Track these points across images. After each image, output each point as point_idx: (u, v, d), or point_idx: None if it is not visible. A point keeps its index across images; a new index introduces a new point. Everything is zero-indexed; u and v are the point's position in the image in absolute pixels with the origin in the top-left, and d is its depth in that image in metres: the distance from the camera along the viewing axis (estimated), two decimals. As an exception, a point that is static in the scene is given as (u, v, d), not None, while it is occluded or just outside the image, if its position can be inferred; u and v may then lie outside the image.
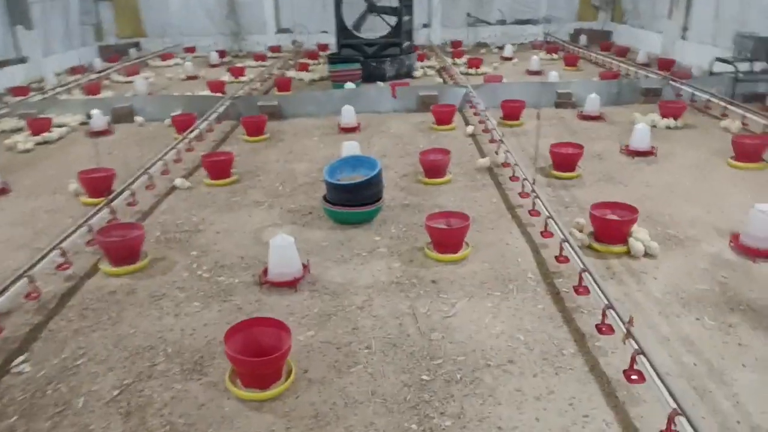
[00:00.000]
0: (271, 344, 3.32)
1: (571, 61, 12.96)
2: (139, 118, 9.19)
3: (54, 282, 4.50)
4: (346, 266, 4.57)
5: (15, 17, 12.94)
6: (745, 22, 10.57)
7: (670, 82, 9.50)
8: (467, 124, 8.47)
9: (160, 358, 3.56)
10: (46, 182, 6.74)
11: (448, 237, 4.59)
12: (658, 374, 2.81)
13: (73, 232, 4.88)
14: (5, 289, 4.01)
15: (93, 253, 4.94)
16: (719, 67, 9.62)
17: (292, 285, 4.24)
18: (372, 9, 12.34)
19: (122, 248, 4.62)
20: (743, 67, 9.24)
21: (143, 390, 3.30)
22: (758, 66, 9.48)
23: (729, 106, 8.21)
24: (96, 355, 3.62)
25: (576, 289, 3.95)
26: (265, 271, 4.36)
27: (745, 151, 6.26)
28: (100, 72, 13.49)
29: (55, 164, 7.40)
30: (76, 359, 3.60)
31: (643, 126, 6.85)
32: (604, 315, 3.45)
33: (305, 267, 4.41)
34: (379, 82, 11.44)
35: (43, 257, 4.45)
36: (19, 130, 8.83)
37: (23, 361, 3.57)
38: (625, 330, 3.11)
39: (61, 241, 4.70)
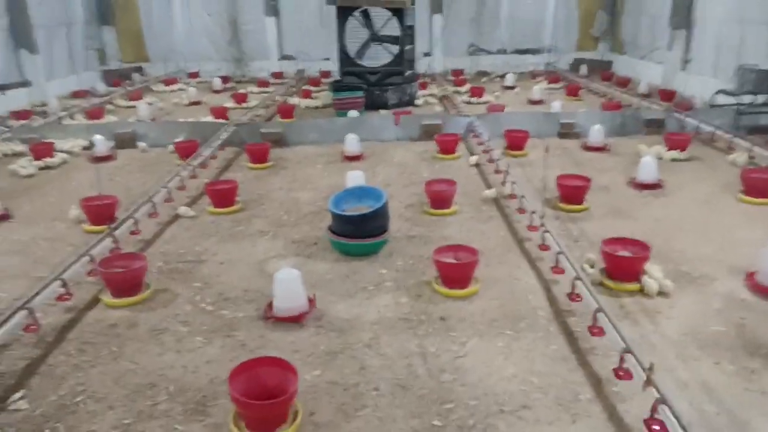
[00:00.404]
0: (276, 385, 3.21)
1: (572, 91, 13.02)
2: (141, 144, 9.15)
3: (54, 314, 4.39)
4: (352, 301, 4.48)
5: (19, 41, 12.98)
6: (746, 54, 10.64)
7: (674, 113, 9.51)
8: (471, 153, 8.45)
9: (162, 397, 3.45)
10: (47, 209, 6.66)
11: (456, 272, 4.50)
12: (681, 425, 2.70)
13: (75, 261, 4.78)
14: (4, 322, 3.90)
15: (94, 283, 4.83)
16: (721, 99, 9.64)
17: (297, 320, 4.14)
18: (374, 38, 12.41)
19: (124, 279, 4.53)
20: (745, 99, 9.26)
21: (144, 431, 3.18)
22: (761, 98, 9.51)
23: (735, 139, 8.19)
24: (95, 393, 3.51)
25: (590, 330, 3.85)
26: (270, 305, 4.26)
27: (756, 186, 6.21)
28: (103, 96, 13.50)
29: (57, 190, 7.33)
30: (75, 396, 3.48)
31: (649, 158, 6.82)
32: (621, 359, 3.35)
33: (311, 301, 4.32)
34: (381, 110, 11.46)
35: (43, 288, 4.34)
36: (20, 154, 8.76)
37: (20, 398, 3.44)
38: (645, 377, 3.01)
39: (63, 272, 4.60)
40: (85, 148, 8.95)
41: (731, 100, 9.31)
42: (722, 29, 11.49)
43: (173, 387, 3.52)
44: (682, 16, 12.67)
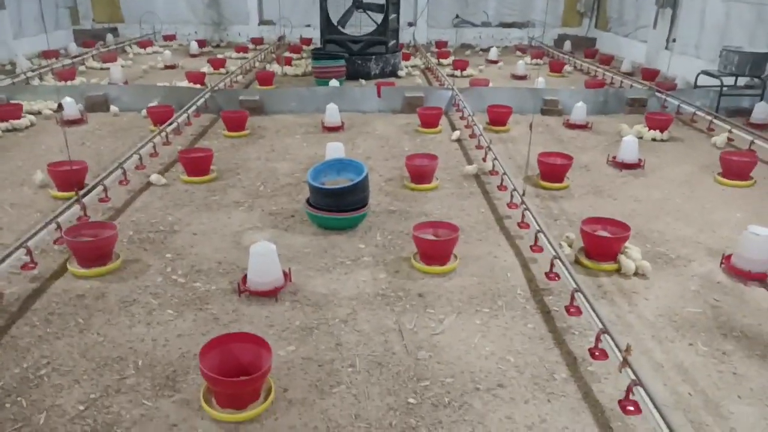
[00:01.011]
0: (250, 361, 3.13)
1: (556, 68, 12.92)
2: (114, 108, 8.85)
3: (18, 283, 4.23)
4: (330, 275, 4.39)
5: (-14, -4, 12.44)
6: (730, 35, 10.64)
7: (656, 93, 9.49)
8: (453, 128, 8.34)
9: (130, 371, 3.34)
10: (14, 173, 6.41)
11: (436, 249, 4.44)
12: (656, 406, 2.69)
13: (41, 229, 4.59)
14: (-37, 291, 3.75)
15: (61, 251, 4.67)
16: (703, 80, 9.65)
17: (272, 294, 4.05)
18: (358, 5, 12.13)
19: (93, 249, 4.37)
20: (728, 81, 9.27)
21: (111, 406, 3.08)
22: (742, 81, 9.53)
23: (715, 120, 8.21)
24: (61, 366, 3.39)
25: (567, 309, 3.83)
26: (244, 279, 4.16)
27: (733, 168, 6.24)
28: (75, 57, 13.02)
29: (24, 154, 7.06)
30: (39, 369, 3.36)
31: (631, 138, 6.79)
32: (598, 339, 3.33)
33: (286, 275, 4.22)
34: (361, 80, 11.25)
35: (7, 256, 4.17)
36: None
37: (-20, 371, 3.32)
38: (621, 358, 2.99)
39: (27, 239, 4.42)
40: (56, 111, 8.63)
41: (713, 81, 9.31)
42: (708, 8, 11.45)
43: (142, 361, 3.42)
44: (668, -7, 12.61)
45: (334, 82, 10.30)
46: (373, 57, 11.84)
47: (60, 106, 7.35)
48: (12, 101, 8.75)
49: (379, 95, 9.30)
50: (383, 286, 4.24)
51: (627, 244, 4.52)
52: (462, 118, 8.62)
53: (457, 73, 12.11)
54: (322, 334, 3.66)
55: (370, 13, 12.30)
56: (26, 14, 13.84)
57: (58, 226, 4.71)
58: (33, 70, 11.10)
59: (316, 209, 5.15)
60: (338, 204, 5.09)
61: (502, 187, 6.03)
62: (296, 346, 3.55)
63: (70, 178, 5.65)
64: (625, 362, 2.97)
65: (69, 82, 10.56)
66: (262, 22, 16.72)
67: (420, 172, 6.13)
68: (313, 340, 3.61)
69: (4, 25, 12.74)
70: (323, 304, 4.00)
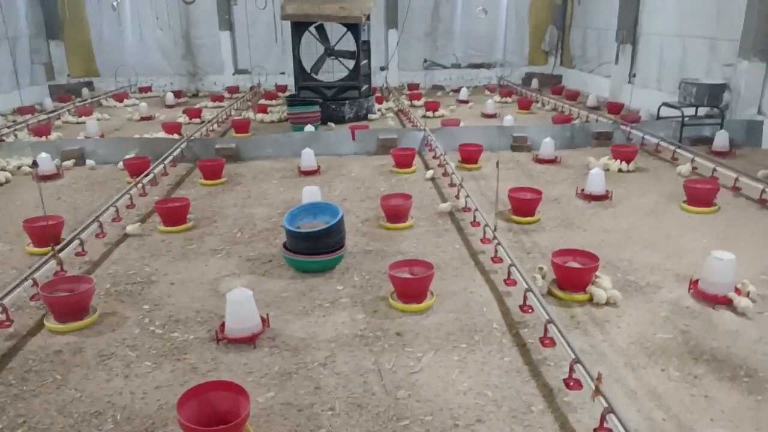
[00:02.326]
0: (228, 410, 3.14)
1: (524, 105, 13.30)
2: (90, 162, 8.89)
3: (-7, 342, 4.20)
4: (308, 319, 4.43)
5: (-40, 55, 12.51)
6: (687, 68, 11.11)
7: (621, 126, 9.82)
8: (427, 167, 8.52)
9: (109, 425, 3.32)
10: (-12, 230, 6.38)
11: (412, 287, 4.51)
12: (629, 433, 2.76)
13: (17, 286, 4.58)
14: (-63, 353, 3.71)
15: (37, 308, 4.65)
16: (665, 111, 10.02)
17: (250, 341, 4.07)
18: (330, 52, 12.45)
19: (69, 304, 4.36)
20: (688, 112, 9.65)
21: (88, 463, 3.05)
22: (702, 111, 9.92)
23: (678, 150, 8.51)
24: (38, 424, 3.36)
25: (542, 341, 3.91)
26: (222, 327, 4.17)
27: (697, 196, 6.45)
28: (50, 112, 13.08)
29: (-1, 210, 7.05)
30: (15, 429, 3.32)
31: (597, 171, 7.01)
32: (571, 369, 3.41)
33: (264, 321, 4.25)
34: (330, 123, 11.44)
35: (-19, 315, 4.15)
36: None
37: (-46, 433, 3.27)
38: (594, 387, 3.06)
39: (3, 297, 4.40)
40: (31, 166, 8.63)
41: (675, 112, 9.68)
42: (665, 44, 11.98)
43: (120, 415, 3.40)
44: (628, 31, 13.16)
45: (309, 128, 10.48)
46: (347, 101, 12.10)
47: (35, 163, 7.38)
48: (-14, 158, 8.75)
49: (353, 138, 9.48)
50: (361, 326, 4.28)
51: (598, 273, 4.64)
52: (435, 157, 8.81)
53: (429, 113, 12.40)
54: (301, 379, 3.68)
55: (342, 59, 12.61)
56: (1, 71, 13.92)
57: (35, 282, 4.69)
58: (8, 127, 11.12)
59: (293, 253, 5.21)
60: (315, 247, 5.16)
61: (475, 223, 6.16)
62: (275, 391, 3.56)
63: (46, 234, 5.65)
64: (597, 391, 3.04)
65: (45, 138, 10.58)
66: (237, 71, 17.01)
67: (395, 212, 6.24)
68: (292, 384, 3.63)
69: (-23, 84, 12.79)
70: (302, 348, 4.02)
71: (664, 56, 12.08)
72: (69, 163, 8.80)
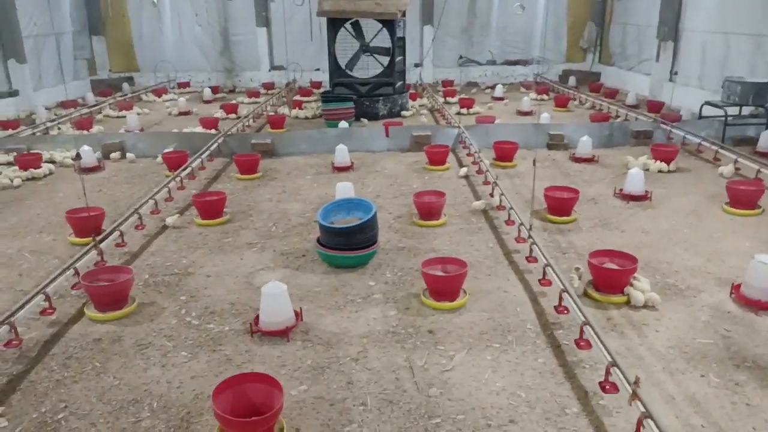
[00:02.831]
0: (262, 402, 3.17)
1: (561, 102, 13.10)
2: (130, 155, 9.10)
3: (37, 328, 4.33)
4: (341, 314, 4.45)
5: (8, 51, 12.95)
6: (730, 66, 10.78)
7: (661, 125, 9.59)
8: (461, 165, 8.46)
9: (146, 414, 3.40)
10: (32, 221, 6.59)
11: (445, 285, 4.49)
12: (667, 439, 2.69)
13: (59, 275, 4.72)
14: (-15, 338, 3.85)
15: (79, 296, 4.78)
16: (708, 110, 9.74)
17: (284, 334, 4.11)
18: (365, 49, 12.46)
19: (109, 293, 4.48)
20: (732, 111, 9.36)
21: (126, 449, 3.13)
22: (746, 110, 9.62)
23: (721, 150, 8.27)
24: (78, 409, 3.45)
25: (577, 343, 3.85)
26: (257, 319, 4.22)
27: (740, 197, 6.26)
28: (92, 106, 13.44)
29: (42, 202, 7.26)
30: (57, 413, 3.42)
31: (637, 170, 6.86)
32: (608, 372, 3.34)
33: (298, 315, 4.29)
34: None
35: (26, 302, 4.29)
36: (8, 164, 8.70)
37: (0, 416, 3.39)
38: (631, 391, 3.00)
39: (46, 285, 4.55)
40: (74, 159, 8.88)
41: (718, 111, 9.40)
42: (708, 41, 11.64)
43: (157, 403, 3.47)
44: (669, 27, 12.82)
45: (343, 124, 10.52)
46: (381, 98, 12.11)
47: (78, 155, 7.58)
48: (32, 151, 9.03)
49: (387, 135, 9.48)
50: (394, 323, 4.28)
51: (636, 275, 4.54)
52: (469, 154, 8.75)
53: (464, 110, 12.31)
54: (334, 373, 3.70)
55: (376, 56, 12.62)
56: (45, 67, 14.37)
57: (76, 272, 4.83)
58: (52, 120, 11.46)
59: (326, 248, 5.24)
60: (348, 242, 5.18)
61: (509, 221, 6.09)
62: (308, 385, 3.59)
63: (87, 225, 5.81)
64: (635, 395, 2.98)
65: (87, 131, 10.87)
66: (273, 68, 17.17)
67: (428, 209, 6.22)
68: (324, 379, 3.65)
69: (24, 78, 13.21)
70: (334, 343, 4.04)
71: (706, 53, 11.74)
72: (116, 155, 9.02)
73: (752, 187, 6.40)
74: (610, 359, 3.34)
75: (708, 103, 9.68)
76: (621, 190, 6.89)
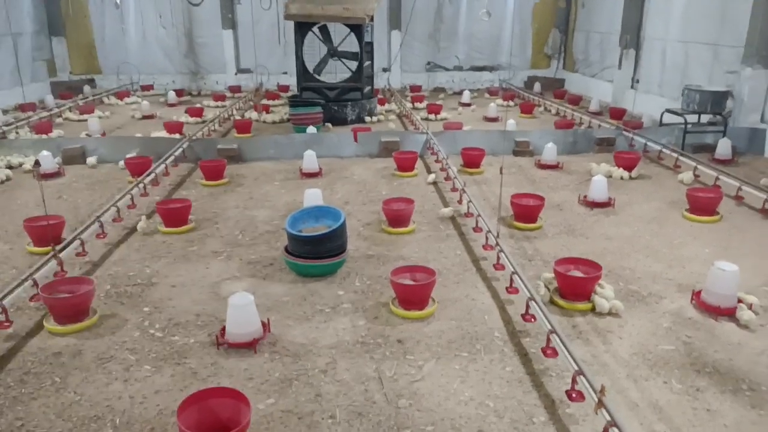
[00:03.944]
0: (228, 417, 3.12)
1: (526, 109, 13.28)
2: (91, 160, 8.87)
3: (-8, 343, 4.18)
4: (309, 324, 4.41)
5: (-38, 51, 12.50)
6: (690, 74, 11.11)
7: (623, 132, 9.81)
8: (429, 171, 8.50)
9: (108, 430, 3.30)
10: (-12, 229, 6.36)
11: (413, 294, 4.49)
12: (632, 447, 2.74)
13: (17, 286, 4.56)
14: (-64, 354, 3.69)
15: (37, 309, 4.63)
16: (668, 118, 10.01)
17: (251, 346, 4.05)
18: (333, 53, 12.43)
19: (70, 305, 4.35)
20: (691, 118, 9.64)
21: (87, 469, 3.04)
22: (705, 118, 9.91)
23: (681, 158, 8.50)
24: (36, 427, 3.34)
25: (544, 351, 3.89)
26: (223, 331, 4.15)
27: (700, 204, 6.44)
28: (52, 110, 13.05)
29: (0, 209, 7.03)
30: (13, 432, 3.30)
31: (600, 177, 6.99)
32: (574, 381, 3.39)
33: (265, 326, 4.23)
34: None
35: (-20, 316, 4.13)
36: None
37: (-48, 436, 3.26)
38: (596, 399, 3.05)
39: (3, 297, 4.38)
40: (35, 165, 8.61)
41: (678, 119, 9.66)
42: (668, 49, 11.96)
43: (119, 419, 3.38)
44: (631, 35, 13.14)
45: (311, 129, 10.46)
46: (349, 103, 12.09)
47: (37, 162, 7.37)
48: (-13, 156, 8.73)
49: (355, 140, 9.46)
50: (362, 333, 4.26)
51: (600, 282, 4.62)
52: (437, 161, 8.80)
53: (432, 116, 12.37)
54: (302, 386, 3.66)
55: (344, 60, 12.60)
56: (1, 68, 13.90)
57: (35, 283, 4.67)
58: (9, 124, 11.10)
59: (294, 257, 5.19)
60: (316, 251, 5.14)
61: (477, 228, 6.14)
62: (275, 398, 3.54)
63: (46, 233, 5.63)
64: (601, 403, 3.03)
65: (46, 135, 10.56)
66: (239, 71, 16.98)
67: (397, 216, 6.23)
68: (292, 391, 3.61)
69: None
70: (302, 354, 4.00)
71: (667, 62, 12.07)
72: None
73: (711, 194, 6.59)
74: (576, 367, 3.39)
75: (668, 110, 9.95)
76: (585, 196, 7.02)
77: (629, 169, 8.10)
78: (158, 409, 3.47)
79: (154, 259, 5.60)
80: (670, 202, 7.05)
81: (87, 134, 10.57)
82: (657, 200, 7.15)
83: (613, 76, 14.05)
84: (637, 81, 13.22)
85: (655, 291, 4.84)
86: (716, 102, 9.39)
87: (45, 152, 8.35)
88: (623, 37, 13.34)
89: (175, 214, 6.28)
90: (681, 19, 11.55)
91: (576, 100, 14.33)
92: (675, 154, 8.66)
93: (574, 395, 3.40)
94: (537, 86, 16.41)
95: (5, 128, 10.69)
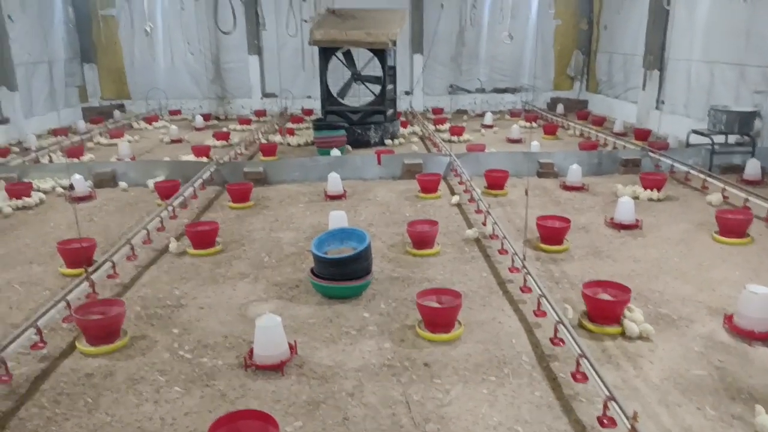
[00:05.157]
0: (258, 439, 3.14)
1: (550, 130, 13.26)
2: (122, 184, 9.08)
3: (27, 363, 4.27)
4: (335, 346, 4.42)
5: (-1, 78, 12.97)
6: (716, 94, 11.01)
7: (649, 153, 9.73)
8: (453, 193, 8.52)
9: (138, 452, 3.34)
10: (21, 252, 6.52)
11: (440, 316, 4.49)
12: (666, 475, 2.69)
13: (51, 308, 4.67)
14: (-26, 374, 3.79)
15: (70, 330, 4.72)
16: (695, 138, 9.91)
17: (278, 368, 4.07)
18: (357, 77, 12.60)
19: (102, 327, 4.43)
20: (718, 139, 9.53)
21: (119, 490, 3.07)
22: (732, 138, 9.79)
23: (709, 179, 8.39)
24: (68, 448, 3.39)
25: (574, 376, 3.85)
26: (251, 353, 4.19)
27: (730, 226, 6.34)
28: (83, 134, 13.42)
29: (32, 232, 7.19)
30: (47, 453, 3.36)
31: (627, 199, 6.94)
32: (605, 406, 3.34)
33: (292, 348, 4.26)
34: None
35: (17, 336, 4.23)
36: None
37: (-12, 456, 3.32)
38: (629, 426, 3.00)
39: (37, 319, 4.49)
40: (66, 188, 8.84)
41: (704, 139, 9.56)
42: (693, 70, 11.88)
43: (150, 441, 3.42)
44: (655, 56, 13.10)
45: (335, 152, 10.58)
46: (373, 126, 12.21)
47: (71, 186, 7.57)
48: (23, 180, 8.99)
49: (379, 163, 9.54)
50: (389, 356, 4.26)
51: (629, 305, 4.57)
52: (460, 182, 8.82)
53: (455, 138, 12.43)
54: (329, 409, 3.67)
55: (368, 84, 12.75)
56: (37, 94, 14.36)
57: (68, 304, 4.78)
58: (42, 149, 11.43)
59: (320, 279, 5.23)
60: (342, 273, 5.18)
61: (502, 250, 6.12)
62: (303, 421, 3.55)
63: (79, 256, 5.76)
64: (633, 430, 2.98)
65: (78, 159, 10.85)
66: (264, 95, 17.28)
67: (421, 238, 6.24)
68: (320, 414, 3.61)
69: (15, 106, 13.19)
70: (329, 377, 4.02)
71: (692, 82, 11.98)
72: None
73: (741, 216, 6.49)
74: (607, 393, 3.34)
75: (695, 131, 9.85)
76: (611, 218, 6.96)
77: (657, 189, 8.01)
78: (188, 430, 3.51)
79: (183, 280, 5.69)
80: (699, 223, 6.95)
81: (117, 158, 10.83)
82: (685, 222, 7.06)
83: (637, 97, 13.98)
84: (662, 102, 13.13)
85: (685, 314, 4.76)
86: (744, 122, 9.28)
87: (77, 176, 8.59)
88: (647, 57, 13.30)
89: (203, 237, 6.38)
90: (705, 39, 11.48)
91: (600, 122, 14.27)
92: (702, 175, 8.55)
93: (605, 421, 3.35)
94: (560, 107, 16.39)
95: (39, 153, 11.01)
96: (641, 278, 5.47)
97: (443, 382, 3.91)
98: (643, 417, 3.40)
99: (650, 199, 7.93)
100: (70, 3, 16.04)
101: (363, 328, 4.70)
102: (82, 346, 4.42)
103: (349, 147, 11.56)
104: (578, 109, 16.27)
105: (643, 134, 12.13)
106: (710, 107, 9.87)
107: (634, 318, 4.45)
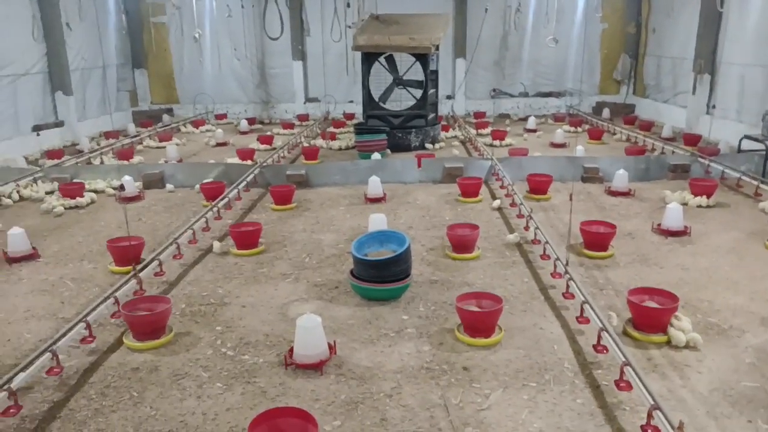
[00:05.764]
0: (297, 436, 3.17)
1: (595, 135, 13.01)
2: (169, 185, 9.34)
3: (77, 356, 4.42)
4: (374, 348, 4.44)
5: (56, 83, 13.53)
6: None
7: (699, 159, 9.43)
8: (494, 197, 8.45)
9: (181, 445, 3.42)
10: (74, 249, 6.78)
11: (480, 321, 4.45)
12: (714, 489, 2.59)
13: (100, 304, 4.84)
14: (28, 365, 3.94)
15: (117, 325, 4.88)
16: (747, 144, 9.56)
17: (318, 367, 4.11)
18: (399, 82, 12.64)
19: (148, 323, 4.56)
20: (772, 145, 9.17)
21: (162, 481, 3.15)
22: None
23: (762, 185, 8.08)
24: (115, 439, 3.50)
25: (617, 384, 3.75)
26: (291, 351, 4.24)
27: (784, 234, 6.09)
28: (133, 137, 13.88)
29: (84, 231, 7.47)
30: (95, 443, 3.47)
31: (675, 205, 6.74)
32: (650, 416, 3.25)
33: (331, 348, 4.29)
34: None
35: (68, 330, 4.39)
36: (53, 192, 9.03)
37: (40, 444, 3.45)
38: (675, 436, 2.91)
39: (87, 314, 4.66)
40: (116, 188, 9.15)
41: (757, 145, 9.22)
42: (746, 74, 11.48)
43: (193, 435, 3.50)
44: (706, 60, 12.70)
45: (376, 155, 10.63)
46: (414, 130, 12.21)
47: (121, 186, 7.85)
48: (75, 180, 9.35)
49: (419, 166, 9.53)
50: (428, 358, 4.25)
51: (677, 314, 4.43)
52: (502, 187, 8.73)
53: (496, 143, 12.32)
54: (368, 409, 3.68)
55: (410, 88, 12.78)
56: (90, 98, 14.94)
57: (116, 301, 4.94)
58: (94, 150, 11.86)
59: (360, 280, 5.25)
60: (381, 275, 5.19)
61: (544, 256, 6.03)
62: (341, 421, 3.57)
63: (127, 254, 5.95)
64: (679, 441, 2.89)
65: (128, 161, 11.22)
66: (307, 100, 17.52)
67: (462, 242, 6.21)
68: (358, 414, 3.63)
69: (69, 109, 13.76)
70: (368, 378, 4.03)
71: (745, 86, 11.57)
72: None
73: (797, 224, 6.23)
74: (652, 402, 3.25)
75: (747, 136, 9.51)
76: (659, 225, 6.77)
77: (707, 196, 7.76)
78: (229, 426, 3.57)
79: (226, 279, 5.80)
80: (751, 232, 6.70)
81: (165, 160, 11.15)
82: (736, 230, 6.81)
83: (686, 102, 13.58)
84: (713, 106, 12.71)
85: (736, 324, 4.59)
86: (801, 127, 8.91)
87: (127, 177, 8.87)
88: (697, 61, 12.91)
89: (246, 237, 6.50)
90: (759, 43, 11.07)
91: (647, 126, 13.92)
92: (756, 182, 8.24)
93: (649, 431, 3.26)
94: (606, 112, 16.05)
95: (91, 154, 11.44)
96: (689, 287, 5.30)
97: (482, 386, 3.88)
98: (690, 428, 3.30)
99: (700, 206, 7.69)
100: (123, 11, 16.63)
101: (402, 330, 4.70)
102: (129, 341, 4.55)
103: (388, 151, 11.59)
104: (625, 114, 15.89)
105: (692, 139, 11.76)
106: (765, 112, 9.50)
107: (682, 327, 4.32)
